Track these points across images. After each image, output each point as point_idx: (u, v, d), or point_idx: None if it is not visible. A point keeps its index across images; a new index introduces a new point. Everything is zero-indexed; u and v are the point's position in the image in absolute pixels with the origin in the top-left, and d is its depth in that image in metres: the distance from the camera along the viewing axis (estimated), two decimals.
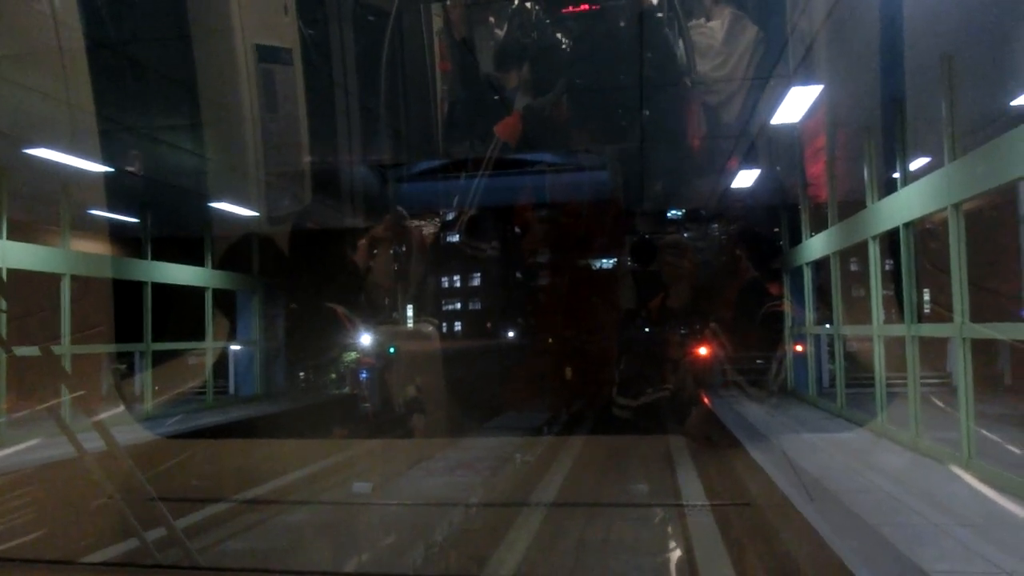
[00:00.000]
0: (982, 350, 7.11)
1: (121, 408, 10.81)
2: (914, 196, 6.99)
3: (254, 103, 7.35)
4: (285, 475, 8.63)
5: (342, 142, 8.73)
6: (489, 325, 26.42)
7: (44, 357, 3.89)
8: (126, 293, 11.39)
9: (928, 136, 7.02)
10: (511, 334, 25.46)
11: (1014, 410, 8.55)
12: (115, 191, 10.21)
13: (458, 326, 29.86)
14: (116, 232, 12.39)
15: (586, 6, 6.86)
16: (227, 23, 6.76)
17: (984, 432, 6.36)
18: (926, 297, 9.61)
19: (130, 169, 9.35)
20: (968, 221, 6.16)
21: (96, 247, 11.98)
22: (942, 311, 6.84)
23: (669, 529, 6.81)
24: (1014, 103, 7.43)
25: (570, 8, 7.02)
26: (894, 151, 7.55)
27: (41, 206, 10.79)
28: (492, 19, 7.94)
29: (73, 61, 6.44)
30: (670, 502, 7.56)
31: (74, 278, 9.97)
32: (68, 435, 3.26)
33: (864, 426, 8.54)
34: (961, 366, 6.11)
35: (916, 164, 8.23)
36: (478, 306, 30.22)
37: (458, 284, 30.95)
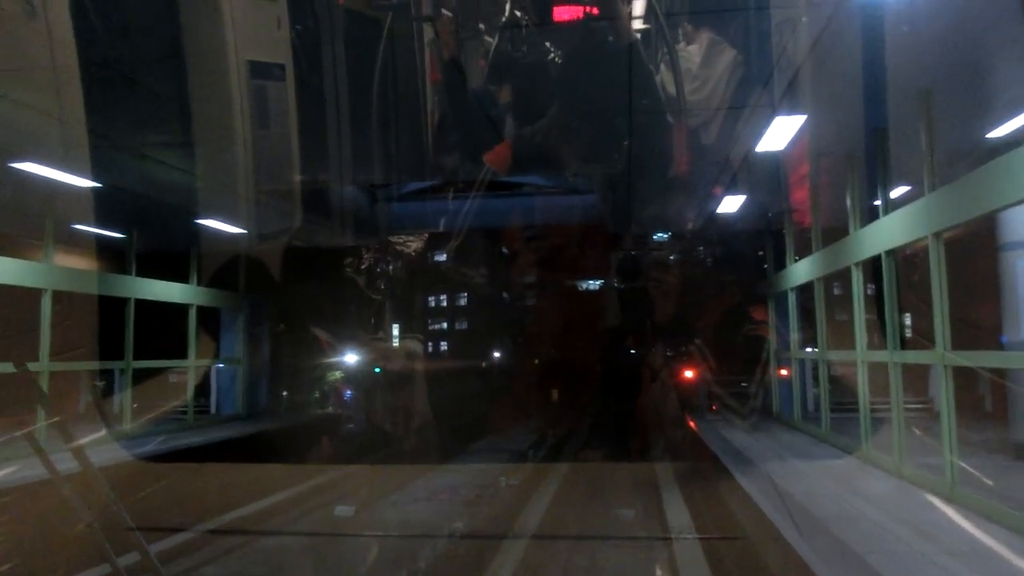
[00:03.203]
0: (963, 376, 7.16)
1: (100, 428, 10.64)
2: (896, 224, 7.08)
3: (244, 120, 7.34)
4: (266, 498, 8.50)
5: (332, 161, 8.72)
6: (475, 346, 26.36)
7: (21, 375, 3.82)
8: (108, 309, 11.25)
9: (910, 165, 7.12)
10: (497, 355, 25.40)
11: (995, 436, 8.60)
12: (101, 206, 10.12)
13: (444, 346, 29.78)
14: (100, 247, 12.27)
15: (581, 10, 6.82)
16: (219, 38, 6.75)
17: (966, 459, 6.38)
18: (907, 322, 9.70)
19: (116, 184, 9.29)
20: (949, 249, 6.24)
21: (80, 262, 11.85)
22: (922, 340, 6.90)
23: (655, 556, 6.76)
24: (989, 135, 7.56)
25: (565, 15, 6.98)
26: (876, 179, 7.66)
27: (24, 219, 10.67)
28: (485, 41, 7.99)
29: (64, 76, 6.41)
30: (656, 529, 7.51)
31: (56, 293, 9.84)
32: (43, 459, 3.18)
33: (848, 452, 8.55)
34: (943, 393, 6.15)
35: (898, 192, 8.34)
36: (464, 326, 30.18)
37: (445, 304, 30.90)
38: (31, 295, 9.59)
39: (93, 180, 8.74)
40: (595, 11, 6.77)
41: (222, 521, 7.47)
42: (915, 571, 4.42)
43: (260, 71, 7.12)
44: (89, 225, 11.34)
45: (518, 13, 7.23)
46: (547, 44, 7.55)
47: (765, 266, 13.66)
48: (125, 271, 11.90)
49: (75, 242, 11.83)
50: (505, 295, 24.20)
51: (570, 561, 6.53)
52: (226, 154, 8.28)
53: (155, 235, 12.75)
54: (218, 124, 7.53)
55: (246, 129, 7.44)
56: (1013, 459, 7.61)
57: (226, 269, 13.96)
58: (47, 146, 7.68)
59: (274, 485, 8.90)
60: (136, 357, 11.72)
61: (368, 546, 7.02)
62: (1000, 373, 7.71)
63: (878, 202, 7.65)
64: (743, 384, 13.98)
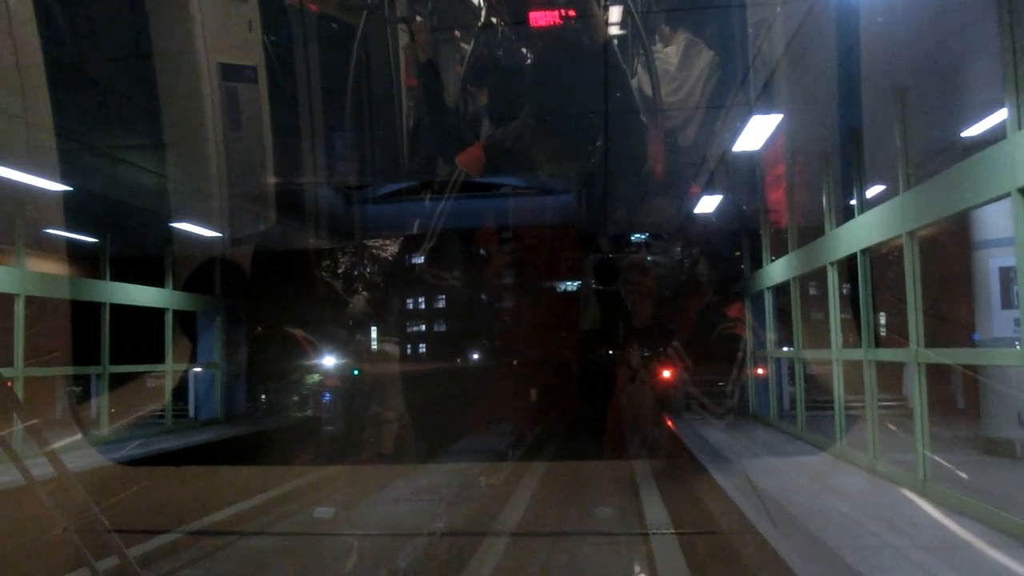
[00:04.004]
0: (936, 374, 7.29)
1: (77, 433, 10.48)
2: (871, 223, 7.18)
3: (217, 122, 7.27)
4: (246, 501, 8.44)
5: (307, 163, 8.67)
6: (454, 348, 26.33)
7: None
8: (83, 313, 11.09)
9: (885, 164, 7.23)
10: (476, 356, 25.39)
11: (966, 432, 8.77)
12: (72, 210, 9.96)
13: (422, 348, 29.72)
14: (73, 251, 12.08)
15: (559, 14, 6.83)
16: (189, 40, 6.69)
17: (938, 454, 6.50)
18: (882, 321, 9.84)
19: (88, 188, 9.15)
20: (923, 248, 6.34)
21: (52, 267, 11.67)
22: (897, 338, 7.00)
23: (634, 552, 6.81)
24: (964, 134, 7.70)
25: (541, 21, 6.99)
26: (852, 178, 7.76)
27: None
28: (460, 44, 7.99)
29: (29, 77, 6.30)
30: (635, 525, 7.56)
31: (29, 298, 9.69)
32: (16, 463, 3.13)
33: (823, 448, 8.66)
34: (916, 390, 6.25)
35: (873, 191, 8.45)
36: (443, 328, 30.12)
37: (423, 306, 30.83)
38: (3, 300, 9.43)
39: (64, 183, 8.60)
40: (571, 13, 6.79)
41: (202, 524, 7.40)
42: (887, 564, 4.50)
43: (232, 73, 7.05)
44: (61, 229, 11.17)
45: (494, 20, 7.24)
46: (522, 45, 7.56)
47: (742, 266, 13.79)
48: (99, 275, 11.74)
49: (47, 247, 11.64)
50: (483, 296, 24.20)
51: (550, 557, 6.56)
52: (199, 157, 8.19)
53: (129, 239, 12.60)
54: (190, 126, 7.45)
55: (218, 131, 7.37)
56: (983, 454, 7.75)
57: (202, 272, 13.83)
58: (13, 148, 7.53)
59: (254, 488, 8.84)
60: (113, 362, 11.59)
61: (348, 546, 6.99)
62: (972, 370, 7.86)
63: (854, 201, 7.75)
64: (720, 383, 14.10)
